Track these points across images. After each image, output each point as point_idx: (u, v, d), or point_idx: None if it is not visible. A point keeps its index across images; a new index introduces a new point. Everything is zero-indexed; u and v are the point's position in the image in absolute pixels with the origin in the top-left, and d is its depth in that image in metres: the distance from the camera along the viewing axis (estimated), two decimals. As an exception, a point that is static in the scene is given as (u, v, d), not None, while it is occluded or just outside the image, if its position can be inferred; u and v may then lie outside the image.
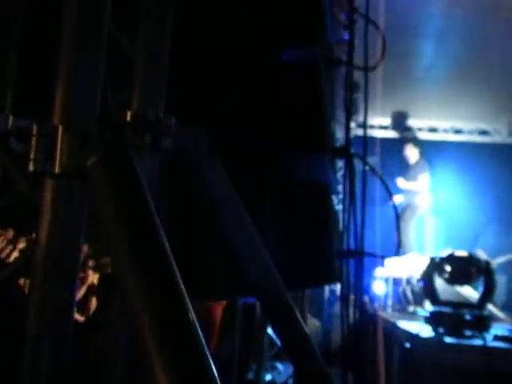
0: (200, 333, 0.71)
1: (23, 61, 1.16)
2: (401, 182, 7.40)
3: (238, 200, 1.26)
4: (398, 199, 7.38)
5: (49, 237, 0.77)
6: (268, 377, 4.33)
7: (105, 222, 0.71)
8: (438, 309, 3.66)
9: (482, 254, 3.90)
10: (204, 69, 1.60)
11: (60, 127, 0.77)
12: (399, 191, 7.42)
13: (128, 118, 0.90)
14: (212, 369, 0.68)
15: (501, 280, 5.48)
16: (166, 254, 0.71)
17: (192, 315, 0.71)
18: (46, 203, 0.77)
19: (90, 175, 0.74)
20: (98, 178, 0.73)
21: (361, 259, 2.24)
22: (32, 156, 0.77)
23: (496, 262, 5.91)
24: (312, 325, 5.85)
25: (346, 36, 3.23)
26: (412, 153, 7.47)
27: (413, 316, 4.97)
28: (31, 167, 0.77)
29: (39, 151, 0.77)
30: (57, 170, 0.76)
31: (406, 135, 8.30)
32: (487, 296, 3.70)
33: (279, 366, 4.68)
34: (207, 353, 0.69)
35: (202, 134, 1.27)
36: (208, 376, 0.68)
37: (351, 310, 2.45)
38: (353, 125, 7.57)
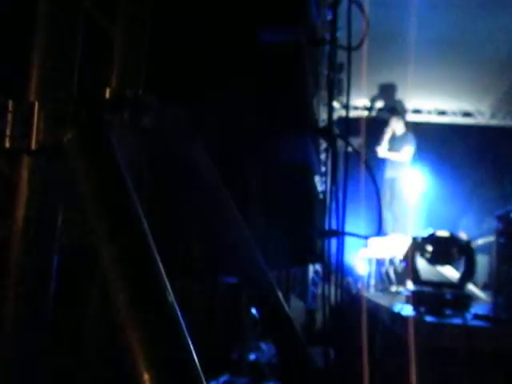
0: (178, 313, 0.71)
1: None
2: (381, 150, 7.44)
3: (220, 181, 1.26)
4: (384, 153, 7.42)
5: (26, 214, 0.77)
6: (252, 356, 4.35)
7: (81, 198, 0.71)
8: (419, 288, 3.70)
9: (464, 236, 3.94)
10: (188, 49, 1.59)
11: (36, 103, 0.77)
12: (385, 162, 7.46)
13: (106, 96, 0.89)
14: (191, 350, 0.68)
15: (483, 260, 5.55)
16: (143, 232, 0.71)
17: (170, 294, 0.71)
18: (23, 180, 0.77)
19: (67, 152, 0.74)
20: (74, 154, 0.73)
21: (342, 239, 2.25)
22: (8, 133, 0.76)
23: (477, 243, 5.98)
24: (296, 306, 5.89)
25: (330, 16, 3.21)
26: (397, 125, 7.54)
27: (395, 296, 5.02)
28: (7, 144, 0.77)
29: (15, 128, 0.76)
30: (33, 146, 0.76)
31: (393, 107, 8.32)
32: (468, 276, 3.74)
33: (263, 345, 4.71)
34: (186, 334, 0.69)
35: (183, 114, 1.26)
36: (187, 357, 0.68)
37: (333, 290, 2.47)
38: (337, 106, 7.58)
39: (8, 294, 0.78)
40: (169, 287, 0.72)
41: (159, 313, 0.70)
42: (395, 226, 7.17)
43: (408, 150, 7.37)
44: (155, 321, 0.69)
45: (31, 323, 0.79)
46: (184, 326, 0.70)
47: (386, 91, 8.39)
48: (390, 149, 7.48)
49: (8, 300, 0.78)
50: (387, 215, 7.14)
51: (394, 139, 7.52)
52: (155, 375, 0.64)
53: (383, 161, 7.52)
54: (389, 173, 7.43)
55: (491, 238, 5.52)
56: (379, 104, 8.67)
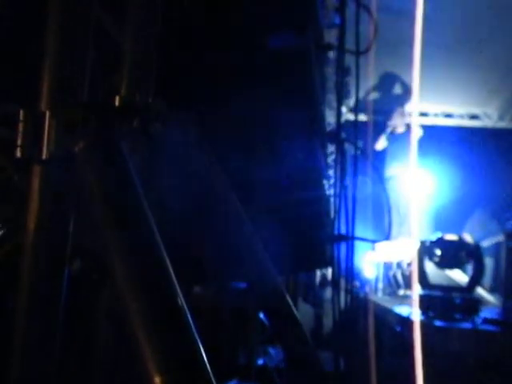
0: (189, 318, 0.71)
1: (9, 46, 1.14)
2: (380, 144, 7.24)
3: (228, 187, 1.26)
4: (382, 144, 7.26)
5: (37, 224, 0.77)
6: (260, 361, 4.34)
7: (92, 207, 0.71)
8: (428, 292, 3.69)
9: (469, 238, 3.93)
10: (193, 54, 1.59)
11: (47, 113, 0.77)
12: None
13: (116, 103, 0.89)
14: (202, 354, 0.68)
15: (488, 263, 5.53)
16: (154, 240, 0.71)
17: (181, 301, 0.71)
18: (34, 189, 0.77)
19: (78, 161, 0.73)
20: (85, 163, 0.73)
21: (351, 243, 2.25)
22: (19, 142, 0.76)
23: (483, 245, 5.95)
24: (305, 310, 5.87)
25: (338, 20, 3.21)
26: (400, 121, 7.28)
27: (403, 300, 5.00)
28: (18, 153, 0.77)
29: (26, 137, 0.76)
30: (44, 155, 0.76)
31: (395, 101, 8.15)
32: (476, 279, 3.73)
33: (271, 350, 4.69)
34: (197, 339, 0.69)
35: (190, 120, 1.26)
36: (198, 361, 0.68)
37: (342, 295, 2.47)
38: (344, 109, 7.52)
39: (21, 301, 0.78)
40: (180, 293, 0.72)
41: (171, 319, 0.70)
42: (402, 228, 7.12)
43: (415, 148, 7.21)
44: (167, 326, 0.69)
45: (43, 330, 0.79)
46: (195, 331, 0.70)
47: (386, 82, 8.13)
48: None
49: (21, 308, 0.78)
50: (394, 218, 7.07)
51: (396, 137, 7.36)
52: (167, 379, 0.64)
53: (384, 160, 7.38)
54: (390, 171, 7.27)
55: (497, 239, 5.50)
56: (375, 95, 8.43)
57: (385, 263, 6.22)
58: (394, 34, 5.77)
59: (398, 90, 8.21)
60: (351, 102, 6.98)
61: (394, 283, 6.01)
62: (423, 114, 8.80)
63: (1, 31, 1.11)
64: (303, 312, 5.57)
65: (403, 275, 5.90)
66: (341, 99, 2.44)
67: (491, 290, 5.48)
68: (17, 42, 1.14)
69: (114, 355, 1.11)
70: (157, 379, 0.64)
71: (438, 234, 3.89)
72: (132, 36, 1.01)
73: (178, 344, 0.68)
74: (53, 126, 0.76)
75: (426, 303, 3.59)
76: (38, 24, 0.82)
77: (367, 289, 6.06)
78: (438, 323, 3.38)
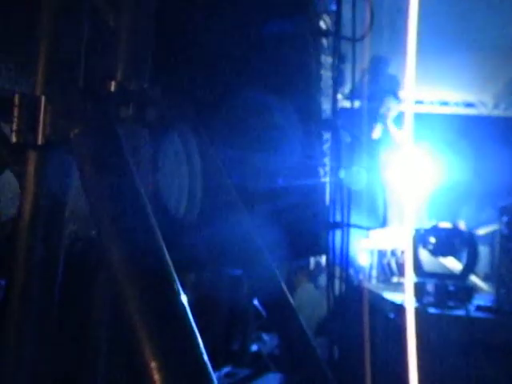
0: (186, 305, 0.71)
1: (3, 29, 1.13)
2: (376, 132, 7.18)
3: (225, 174, 1.26)
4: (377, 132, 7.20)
5: (32, 210, 0.76)
6: (254, 348, 4.38)
7: (88, 194, 0.70)
8: (422, 280, 3.71)
9: (462, 225, 3.95)
10: (190, 40, 1.58)
11: (42, 97, 0.76)
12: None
13: (112, 89, 0.89)
14: (198, 340, 0.68)
15: (484, 250, 5.55)
16: (150, 225, 0.71)
17: (177, 287, 0.72)
18: (29, 175, 0.76)
19: (74, 146, 0.73)
20: (81, 149, 0.72)
21: (347, 230, 2.25)
22: (14, 127, 0.76)
23: (478, 233, 5.97)
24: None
25: (334, 6, 3.20)
26: (393, 106, 7.24)
27: (397, 287, 5.03)
28: (14, 139, 0.76)
29: (22, 122, 0.76)
30: (40, 141, 0.75)
31: (386, 85, 8.07)
32: (470, 267, 3.75)
33: (265, 336, 4.72)
34: (194, 325, 0.69)
35: (187, 105, 1.25)
36: (194, 347, 0.68)
37: (337, 282, 2.48)
38: (340, 96, 7.47)
39: (14, 289, 0.78)
40: (177, 280, 0.72)
41: (167, 305, 0.70)
42: (396, 216, 7.11)
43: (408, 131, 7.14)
44: (163, 312, 0.69)
45: (37, 318, 0.79)
46: (191, 317, 0.70)
47: (377, 65, 8.03)
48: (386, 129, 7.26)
49: (14, 295, 0.77)
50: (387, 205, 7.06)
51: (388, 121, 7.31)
52: (162, 363, 0.64)
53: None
54: (382, 156, 7.23)
55: (492, 228, 5.52)
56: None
57: (379, 251, 6.23)
58: (389, 21, 5.76)
59: (392, 76, 8.16)
60: (346, 89, 6.96)
61: (388, 270, 6.03)
62: (418, 102, 8.79)
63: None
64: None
65: (397, 263, 5.92)
66: (337, 86, 2.44)
67: (485, 278, 5.51)
68: (10, 24, 1.13)
69: (110, 341, 1.11)
70: (153, 364, 0.65)
71: (433, 222, 3.90)
72: (128, 21, 1.00)
73: (175, 330, 0.68)
74: (48, 111, 0.76)
75: (419, 290, 3.60)
76: (34, 8, 0.81)
77: (361, 276, 6.09)
78: (431, 310, 3.40)
